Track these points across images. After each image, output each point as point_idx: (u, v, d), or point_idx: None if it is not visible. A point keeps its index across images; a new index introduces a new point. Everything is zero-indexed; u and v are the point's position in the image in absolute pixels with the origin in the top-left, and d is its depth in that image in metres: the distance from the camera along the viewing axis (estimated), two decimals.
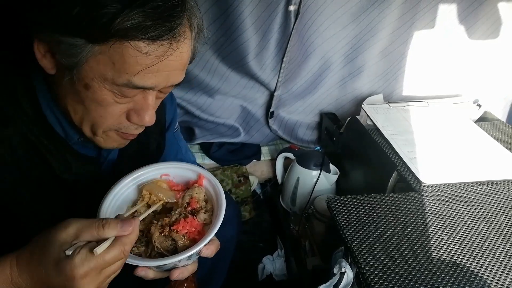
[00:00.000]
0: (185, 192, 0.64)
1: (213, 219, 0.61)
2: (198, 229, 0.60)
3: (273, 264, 1.27)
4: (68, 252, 0.47)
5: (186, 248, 0.57)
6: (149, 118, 0.58)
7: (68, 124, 0.61)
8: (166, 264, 0.56)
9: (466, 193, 0.88)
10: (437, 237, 0.75)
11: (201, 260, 0.86)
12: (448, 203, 0.85)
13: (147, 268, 0.58)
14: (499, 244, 0.74)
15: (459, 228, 0.78)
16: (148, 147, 0.79)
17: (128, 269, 0.60)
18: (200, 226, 0.61)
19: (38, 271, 0.48)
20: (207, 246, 0.60)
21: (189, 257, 0.58)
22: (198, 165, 0.94)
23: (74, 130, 0.61)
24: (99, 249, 0.47)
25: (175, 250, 0.58)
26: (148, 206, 0.63)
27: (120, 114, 0.57)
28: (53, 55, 0.53)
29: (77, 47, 0.50)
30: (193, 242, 0.58)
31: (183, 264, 0.59)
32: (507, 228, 0.78)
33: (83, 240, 0.48)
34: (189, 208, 0.62)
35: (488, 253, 0.72)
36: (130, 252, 0.55)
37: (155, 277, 0.59)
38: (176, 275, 0.59)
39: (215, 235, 0.59)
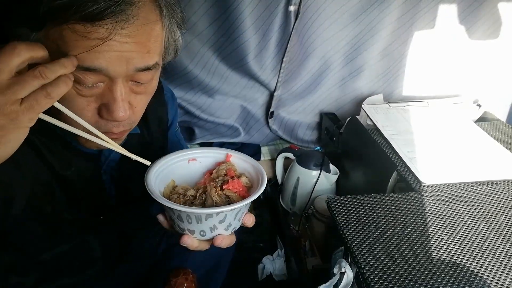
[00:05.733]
0: (217, 168, 0.65)
1: (254, 183, 0.62)
2: (244, 190, 0.61)
3: (273, 264, 1.26)
4: None
5: None
6: (122, 113, 0.53)
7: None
8: (223, 212, 0.55)
9: (466, 193, 0.88)
10: (437, 237, 0.75)
11: (201, 260, 0.86)
12: (448, 203, 0.85)
13: (192, 237, 0.57)
14: (499, 244, 0.74)
15: (459, 228, 0.78)
16: (151, 147, 0.79)
17: (126, 274, 0.59)
18: (245, 188, 0.62)
19: None
20: (250, 215, 0.61)
21: (237, 214, 0.58)
22: None
23: None
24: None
25: None
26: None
27: (89, 110, 0.53)
28: None
29: (23, 36, 0.48)
30: None
31: (229, 225, 0.59)
32: (507, 228, 0.78)
33: None
34: (228, 176, 0.63)
35: (488, 253, 0.72)
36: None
37: (197, 247, 0.58)
38: (219, 241, 0.58)
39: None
